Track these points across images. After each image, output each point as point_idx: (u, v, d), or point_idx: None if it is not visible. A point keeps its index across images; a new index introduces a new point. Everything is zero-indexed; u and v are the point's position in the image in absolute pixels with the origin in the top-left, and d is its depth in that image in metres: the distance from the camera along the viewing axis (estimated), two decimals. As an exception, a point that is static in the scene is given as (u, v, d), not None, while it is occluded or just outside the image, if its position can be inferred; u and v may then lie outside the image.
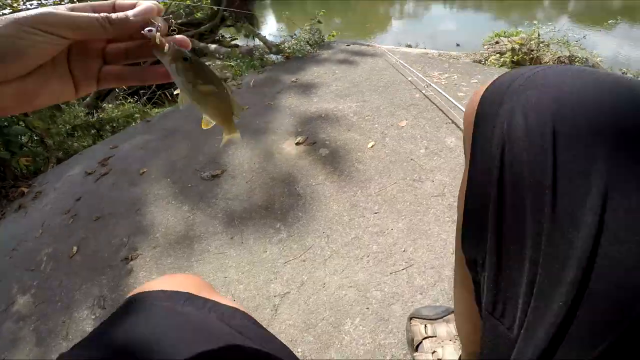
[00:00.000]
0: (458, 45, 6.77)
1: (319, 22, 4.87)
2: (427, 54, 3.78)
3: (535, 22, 4.23)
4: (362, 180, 1.84)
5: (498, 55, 3.95)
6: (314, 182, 1.92)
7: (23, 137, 3.17)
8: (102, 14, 0.34)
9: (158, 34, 0.35)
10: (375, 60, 3.46)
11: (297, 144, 2.25)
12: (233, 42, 8.36)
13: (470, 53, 4.36)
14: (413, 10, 19.46)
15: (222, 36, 8.97)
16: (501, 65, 3.72)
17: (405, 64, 3.05)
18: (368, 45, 4.36)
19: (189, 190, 2.11)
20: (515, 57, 3.81)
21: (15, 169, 2.86)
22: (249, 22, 8.33)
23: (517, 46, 3.89)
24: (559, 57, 3.69)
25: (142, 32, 0.35)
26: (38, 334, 1.57)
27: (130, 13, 0.35)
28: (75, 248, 1.94)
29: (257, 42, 6.02)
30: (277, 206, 1.83)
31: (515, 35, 4.38)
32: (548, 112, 0.33)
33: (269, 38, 6.47)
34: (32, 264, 1.95)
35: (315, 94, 2.88)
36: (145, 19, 0.35)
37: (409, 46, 5.75)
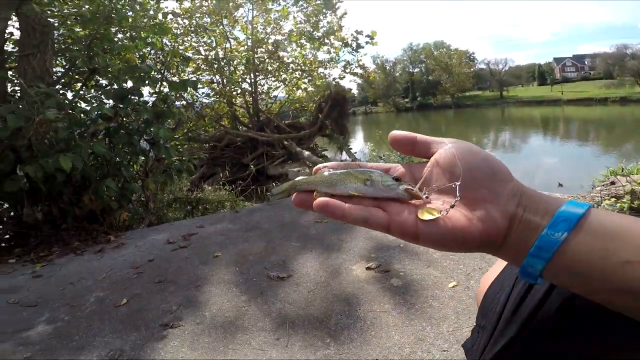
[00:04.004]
0: (561, 185, 5.85)
1: None
2: (524, 196, 3.43)
3: None
4: (435, 318, 1.61)
5: (613, 199, 3.16)
6: (378, 308, 1.74)
7: (134, 195, 3.65)
8: None
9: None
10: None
11: (367, 268, 2.16)
12: (323, 152, 9.06)
13: (578, 196, 3.54)
14: (509, 140, 18.08)
15: (316, 144, 9.93)
16: (618, 212, 2.75)
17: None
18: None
19: (253, 283, 2.08)
20: (635, 202, 3.01)
21: (115, 219, 3.22)
22: (341, 134, 9.17)
23: (638, 188, 3.08)
24: (693, 204, 2.62)
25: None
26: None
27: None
28: (125, 300, 1.95)
29: (345, 156, 6.32)
30: (333, 322, 1.66)
31: (636, 173, 3.48)
32: None
33: (358, 155, 6.68)
34: (77, 301, 1.99)
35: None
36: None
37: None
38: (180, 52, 4.46)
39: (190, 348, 1.52)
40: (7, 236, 2.97)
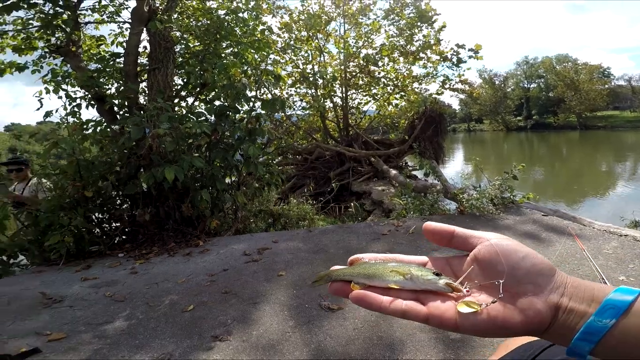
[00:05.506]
0: None
1: (514, 177, 4.07)
2: (661, 245, 2.69)
3: None
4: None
5: None
6: (423, 358, 1.64)
7: (226, 205, 4.07)
8: None
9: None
10: (573, 246, 2.77)
11: (425, 315, 2.03)
12: (412, 172, 8.59)
13: None
14: (652, 171, 14.19)
15: (406, 163, 9.52)
16: None
17: (619, 259, 2.48)
18: (573, 219, 3.39)
19: (303, 309, 2.14)
20: None
21: (206, 226, 3.66)
22: (435, 154, 8.62)
23: None
24: None
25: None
26: (98, 354, 1.78)
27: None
28: (192, 306, 2.21)
29: (436, 180, 5.84)
30: (370, 368, 1.62)
31: None
32: None
33: (450, 176, 5.97)
34: (155, 301, 2.31)
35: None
36: None
37: (636, 225, 4.14)
38: (272, 70, 4.74)
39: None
40: (126, 230, 3.62)
